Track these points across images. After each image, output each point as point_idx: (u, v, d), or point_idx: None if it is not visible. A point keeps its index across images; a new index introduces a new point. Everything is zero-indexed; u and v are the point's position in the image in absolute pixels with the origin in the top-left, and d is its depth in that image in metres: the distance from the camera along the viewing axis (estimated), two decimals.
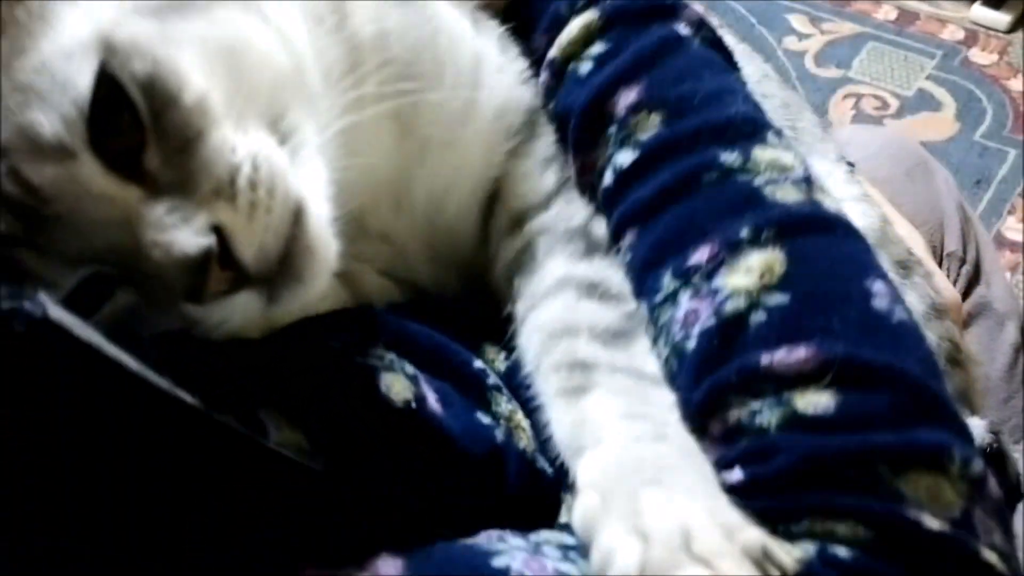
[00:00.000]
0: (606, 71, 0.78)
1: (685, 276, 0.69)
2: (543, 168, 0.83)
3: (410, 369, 0.70)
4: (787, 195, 0.71)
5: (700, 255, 0.69)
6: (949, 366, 0.98)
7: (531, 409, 0.75)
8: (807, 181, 0.73)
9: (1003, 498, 0.88)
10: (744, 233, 0.69)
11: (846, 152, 1.16)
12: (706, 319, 0.67)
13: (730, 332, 0.66)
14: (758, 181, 0.72)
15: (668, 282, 0.70)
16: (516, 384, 0.76)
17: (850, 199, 1.01)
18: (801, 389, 0.62)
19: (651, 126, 0.75)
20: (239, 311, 0.65)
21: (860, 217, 0.98)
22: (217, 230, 0.62)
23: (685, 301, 0.69)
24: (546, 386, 0.73)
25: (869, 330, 0.65)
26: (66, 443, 0.53)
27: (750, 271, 0.67)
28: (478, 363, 0.77)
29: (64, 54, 0.63)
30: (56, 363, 0.52)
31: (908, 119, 2.63)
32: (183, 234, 0.61)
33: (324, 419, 0.65)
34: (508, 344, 0.79)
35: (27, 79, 0.62)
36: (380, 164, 0.78)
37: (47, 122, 0.61)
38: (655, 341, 0.71)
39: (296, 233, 0.65)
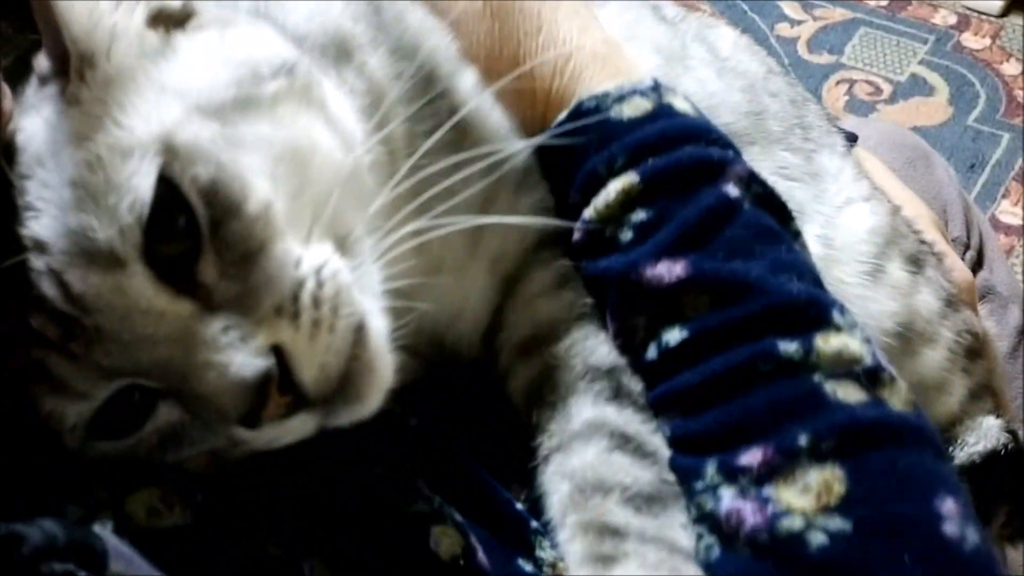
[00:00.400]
0: (649, 244, 0.72)
1: (732, 474, 0.65)
2: (549, 296, 0.78)
3: (458, 517, 0.66)
4: (849, 395, 0.66)
5: (752, 457, 0.65)
6: (968, 359, 0.97)
7: None
8: (873, 373, 0.68)
9: None
10: (802, 442, 0.64)
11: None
12: (755, 529, 0.63)
13: (787, 554, 0.62)
14: (818, 377, 0.66)
15: (711, 473, 0.66)
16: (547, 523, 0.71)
17: (859, 199, 0.99)
18: None
19: (700, 306, 0.70)
20: (292, 432, 0.61)
21: (869, 216, 0.97)
22: (276, 351, 0.59)
23: (727, 498, 0.64)
24: (572, 546, 0.67)
25: (940, 561, 0.61)
26: None
27: (808, 490, 0.63)
28: (518, 504, 0.72)
29: (122, 152, 0.58)
30: None
31: (901, 104, 2.63)
32: (241, 356, 0.57)
33: (371, 573, 0.61)
34: (531, 479, 0.74)
35: (79, 174, 0.58)
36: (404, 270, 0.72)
37: (99, 227, 0.57)
38: (696, 522, 0.67)
39: (357, 352, 0.62)
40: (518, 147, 0.77)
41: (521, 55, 0.78)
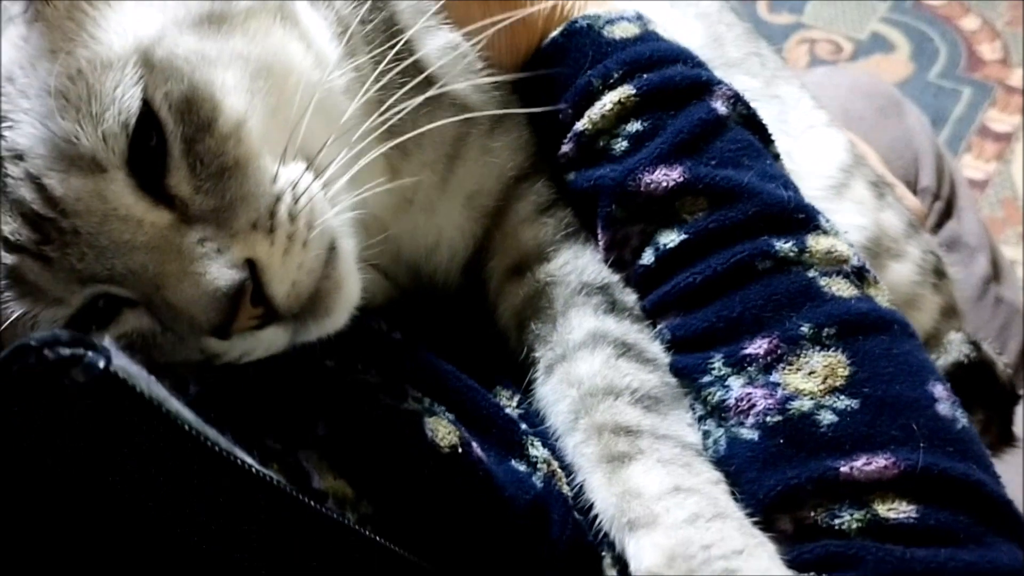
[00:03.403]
0: (645, 151, 0.75)
1: (739, 364, 0.69)
2: (532, 222, 0.81)
3: (450, 415, 0.68)
4: (842, 290, 0.71)
5: (757, 347, 0.69)
6: (936, 278, 1.01)
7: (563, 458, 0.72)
8: (860, 272, 0.72)
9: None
10: (805, 330, 0.68)
11: (817, 93, 1.16)
12: (766, 411, 0.67)
13: (798, 433, 0.65)
14: (812, 273, 0.71)
15: (719, 365, 0.70)
16: (538, 430, 0.73)
17: (820, 124, 1.03)
18: (880, 496, 0.63)
19: (698, 209, 0.73)
20: (263, 345, 0.63)
21: (832, 140, 1.01)
22: (250, 264, 0.60)
23: (737, 386, 0.68)
24: (585, 448, 0.70)
25: (939, 438, 0.65)
26: (114, 497, 0.50)
27: (814, 373, 0.67)
28: (507, 409, 0.74)
29: (103, 64, 0.60)
30: (111, 417, 0.49)
31: (862, 62, 2.63)
32: (215, 267, 0.59)
33: (370, 466, 0.63)
34: (525, 389, 0.76)
35: (59, 84, 0.59)
36: (374, 202, 0.74)
37: (82, 134, 0.58)
38: (701, 419, 0.70)
39: (327, 271, 0.64)
40: (487, 80, 0.79)
41: (512, 3, 0.81)
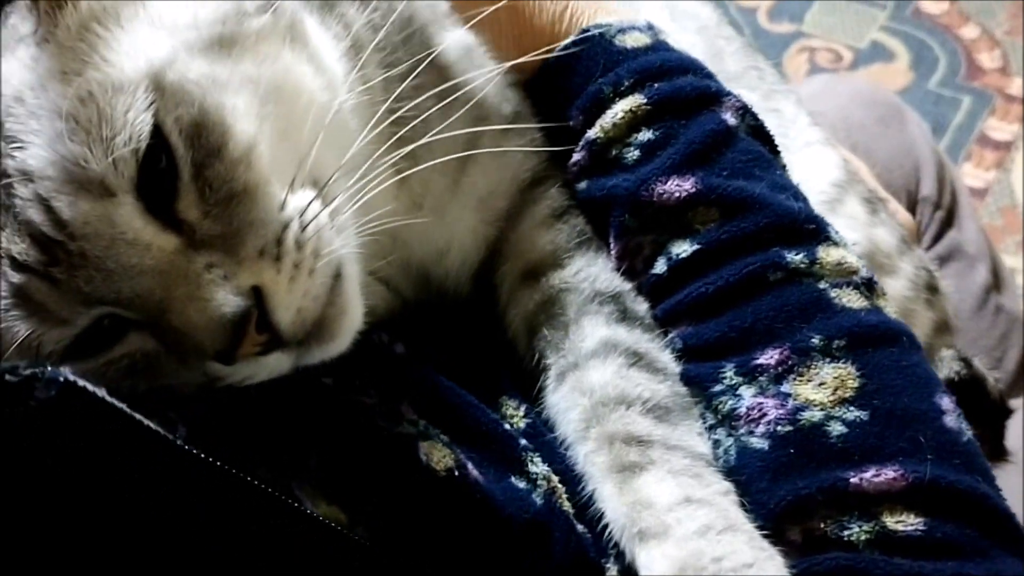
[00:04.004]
0: (658, 160, 0.76)
1: (751, 374, 0.69)
2: (546, 227, 0.81)
3: (445, 438, 0.67)
4: (852, 301, 0.71)
5: (768, 357, 0.69)
6: (929, 293, 1.02)
7: (564, 471, 0.72)
8: (869, 284, 0.73)
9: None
10: (815, 342, 0.69)
11: (818, 102, 1.16)
12: (777, 421, 0.67)
13: (808, 443, 0.66)
14: (823, 284, 0.71)
15: (730, 375, 0.70)
16: (543, 443, 0.73)
17: (816, 142, 1.04)
18: (889, 508, 0.63)
19: (710, 220, 0.74)
20: (266, 369, 0.63)
21: (827, 158, 1.02)
22: (256, 291, 0.60)
23: (748, 396, 0.69)
24: (596, 458, 0.70)
25: (947, 451, 0.66)
26: (96, 516, 0.50)
27: (824, 384, 0.67)
28: (506, 424, 0.74)
29: (114, 87, 0.60)
30: (80, 433, 0.49)
31: (862, 71, 2.64)
32: (222, 293, 0.59)
33: (363, 493, 0.62)
34: (535, 398, 0.76)
35: (69, 107, 0.59)
36: (382, 204, 0.74)
37: (92, 158, 0.58)
38: (712, 428, 0.71)
39: (332, 298, 0.64)
40: (497, 68, 0.79)
41: (520, 6, 0.82)
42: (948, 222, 1.35)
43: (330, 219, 0.65)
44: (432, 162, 0.72)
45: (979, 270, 1.35)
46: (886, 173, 1.24)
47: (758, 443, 0.67)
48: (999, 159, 2.43)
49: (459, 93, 0.75)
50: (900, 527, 0.62)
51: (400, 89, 0.72)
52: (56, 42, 0.62)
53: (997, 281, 1.35)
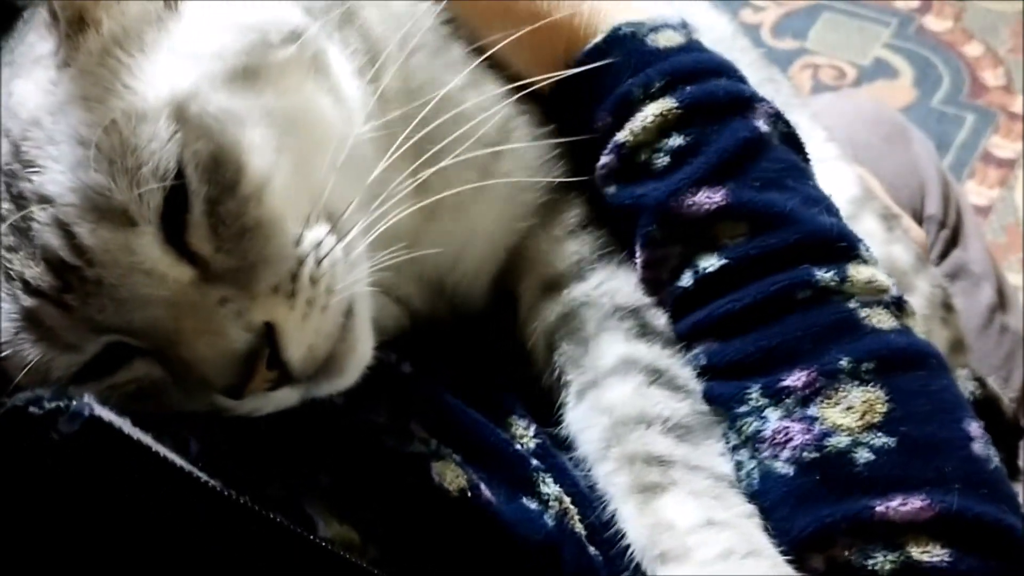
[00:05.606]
0: (687, 169, 0.74)
1: (776, 396, 0.68)
2: (571, 237, 0.79)
3: (457, 458, 0.67)
4: (882, 322, 0.70)
5: (795, 379, 0.67)
6: (944, 311, 1.01)
7: (576, 492, 0.71)
8: (899, 303, 0.72)
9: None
10: (843, 364, 0.67)
11: (822, 121, 1.16)
12: (803, 447, 0.66)
13: (834, 471, 0.64)
14: (852, 304, 0.70)
15: (756, 396, 0.69)
16: (554, 464, 0.72)
17: (831, 158, 1.03)
18: (914, 538, 0.62)
19: (738, 234, 0.72)
20: (273, 403, 0.62)
21: (843, 174, 1.01)
22: (268, 327, 0.60)
23: (774, 419, 0.67)
24: (616, 478, 0.68)
25: (974, 480, 0.65)
26: (115, 551, 0.50)
27: (852, 409, 0.66)
28: (517, 445, 0.73)
29: (137, 116, 0.60)
30: (102, 464, 0.49)
31: (866, 87, 2.64)
32: (234, 329, 0.59)
33: (375, 513, 0.62)
34: (555, 413, 0.75)
35: (92, 135, 0.58)
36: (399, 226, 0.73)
37: (115, 188, 0.58)
38: (734, 449, 0.69)
39: (343, 334, 0.64)
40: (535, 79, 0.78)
41: (538, 5, 0.80)
42: (953, 241, 1.35)
43: (344, 254, 0.65)
44: (448, 192, 0.72)
45: (984, 289, 1.34)
46: (891, 192, 1.23)
47: (783, 468, 0.66)
48: (1002, 177, 2.43)
49: (476, 117, 0.74)
50: (926, 558, 0.61)
51: (424, 112, 0.71)
52: (77, 66, 0.61)
53: (1002, 300, 1.35)
